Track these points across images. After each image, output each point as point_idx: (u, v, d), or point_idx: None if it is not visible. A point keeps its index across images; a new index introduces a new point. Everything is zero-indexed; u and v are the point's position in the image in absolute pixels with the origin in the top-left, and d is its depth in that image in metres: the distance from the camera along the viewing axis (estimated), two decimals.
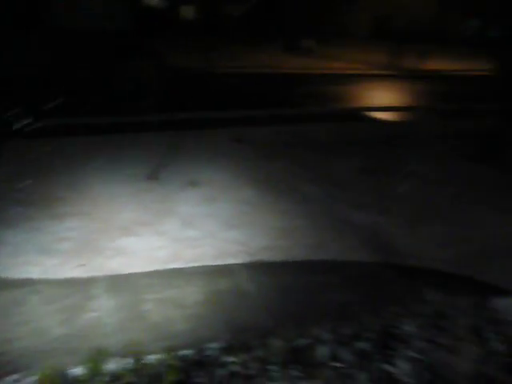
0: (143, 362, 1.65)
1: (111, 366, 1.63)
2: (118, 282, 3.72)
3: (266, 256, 4.06)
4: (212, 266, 3.93)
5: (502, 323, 2.00)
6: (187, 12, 29.90)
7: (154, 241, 4.34)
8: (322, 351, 1.66)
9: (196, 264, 3.95)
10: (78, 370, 1.92)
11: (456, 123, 10.17)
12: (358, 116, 10.92)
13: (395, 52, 18.83)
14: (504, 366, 1.71)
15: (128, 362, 1.63)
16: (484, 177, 6.90)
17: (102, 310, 3.33)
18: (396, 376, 1.59)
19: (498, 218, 5.53)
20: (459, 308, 2.02)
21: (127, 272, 3.86)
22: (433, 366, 1.68)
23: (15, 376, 2.04)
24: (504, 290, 3.88)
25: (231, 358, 1.67)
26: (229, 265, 3.92)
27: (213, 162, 6.60)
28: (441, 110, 12.18)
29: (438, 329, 1.85)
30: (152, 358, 1.70)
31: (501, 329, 1.94)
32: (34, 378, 2.02)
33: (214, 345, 1.79)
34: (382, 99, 13.46)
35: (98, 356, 1.62)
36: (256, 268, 3.86)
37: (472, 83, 14.76)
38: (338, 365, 1.62)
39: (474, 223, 5.39)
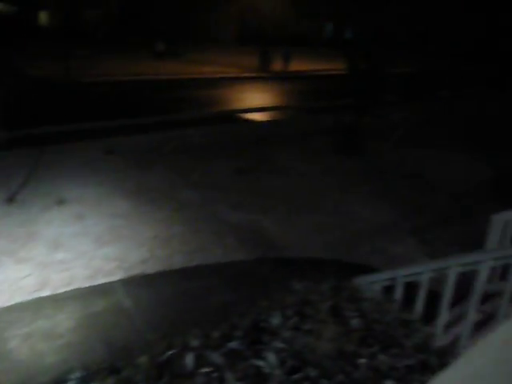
0: None
1: None
2: None
3: (143, 269, 3.90)
4: (85, 288, 3.66)
5: (360, 300, 2.16)
6: (45, 18, 27.80)
7: (17, 270, 3.91)
8: (190, 359, 1.61)
9: (67, 288, 3.65)
10: None
11: (321, 119, 10.92)
12: (232, 118, 11.14)
13: (263, 55, 19.64)
14: (360, 340, 1.84)
15: None
16: (348, 167, 7.50)
17: None
18: (264, 370, 1.61)
19: (362, 203, 6.05)
20: (323, 292, 2.12)
21: None
22: (299, 353, 1.74)
23: None
24: (368, 268, 4.26)
25: None
26: (104, 284, 3.70)
27: (83, 176, 6.19)
28: (308, 107, 12.99)
29: (302, 316, 1.92)
30: None
31: (359, 306, 2.09)
32: None
33: (77, 374, 1.64)
34: (254, 100, 13.91)
35: None
36: (133, 283, 3.69)
37: (332, 82, 15.93)
38: (207, 370, 1.59)
39: (343, 210, 5.82)
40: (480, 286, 2.05)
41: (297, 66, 20.12)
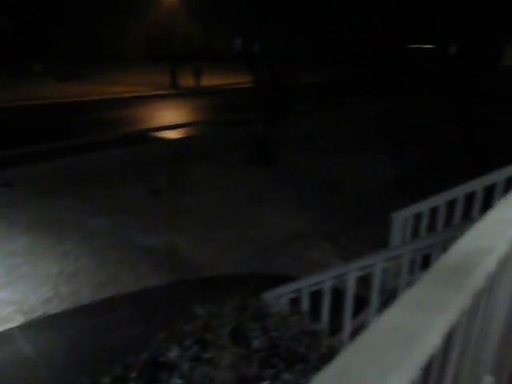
0: None
1: None
2: None
3: (46, 310, 3.58)
4: None
5: (266, 317, 2.11)
6: None
7: None
8: None
9: None
10: None
11: (235, 132, 10.99)
12: (145, 138, 10.84)
13: (173, 72, 19.43)
14: (263, 361, 1.79)
15: None
16: (263, 178, 7.57)
17: None
18: None
19: (278, 213, 6.11)
20: (226, 314, 2.05)
21: None
22: None
23: None
24: (285, 277, 4.27)
25: None
26: (1, 333, 3.33)
27: None
28: (221, 121, 13.01)
29: (203, 344, 1.83)
30: None
31: (264, 323, 2.04)
32: None
33: None
34: (167, 118, 13.69)
35: None
36: (35, 327, 3.37)
37: (244, 95, 16.15)
38: None
39: (259, 222, 5.83)
40: (376, 287, 2.10)
41: (208, 81, 20.20)
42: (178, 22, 26.90)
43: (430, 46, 28.90)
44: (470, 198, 3.50)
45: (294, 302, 2.44)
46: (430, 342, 0.73)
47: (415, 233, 3.72)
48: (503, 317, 1.67)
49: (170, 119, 13.46)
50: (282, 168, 8.06)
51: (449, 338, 0.98)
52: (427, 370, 0.90)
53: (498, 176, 2.91)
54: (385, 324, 0.69)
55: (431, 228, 3.74)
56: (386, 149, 9.46)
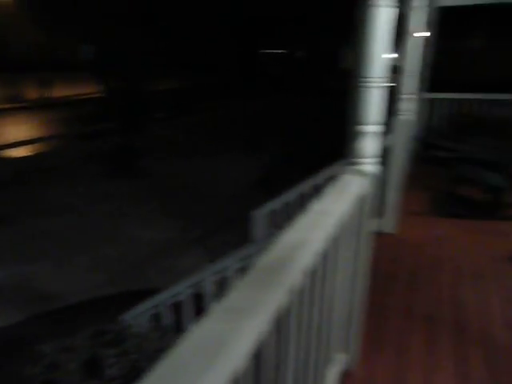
0: None
1: None
2: None
3: None
4: None
5: (125, 340, 1.98)
6: None
7: None
8: None
9: None
10: None
11: (90, 145, 10.32)
12: None
13: (15, 83, 17.52)
14: None
15: None
16: (125, 191, 7.21)
17: None
18: None
19: (144, 225, 5.88)
20: (79, 345, 1.87)
21: None
22: None
23: None
24: (154, 292, 4.12)
25: None
26: None
27: None
28: (73, 134, 12.08)
29: None
30: None
31: (123, 348, 1.91)
32: None
33: None
34: (11, 135, 12.23)
35: None
36: None
37: (97, 105, 15.25)
38: None
39: (125, 237, 5.52)
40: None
41: (57, 92, 18.69)
42: (16, 27, 24.45)
43: (281, 51, 30.78)
44: (318, 190, 3.76)
45: (157, 317, 2.34)
46: (244, 342, 0.71)
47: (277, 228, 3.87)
48: (346, 296, 1.79)
49: (14, 136, 12.06)
50: (144, 178, 7.79)
51: (280, 324, 0.97)
52: (258, 362, 0.88)
53: (337, 168, 3.16)
54: (196, 333, 0.66)
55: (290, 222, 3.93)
56: (249, 150, 9.76)
